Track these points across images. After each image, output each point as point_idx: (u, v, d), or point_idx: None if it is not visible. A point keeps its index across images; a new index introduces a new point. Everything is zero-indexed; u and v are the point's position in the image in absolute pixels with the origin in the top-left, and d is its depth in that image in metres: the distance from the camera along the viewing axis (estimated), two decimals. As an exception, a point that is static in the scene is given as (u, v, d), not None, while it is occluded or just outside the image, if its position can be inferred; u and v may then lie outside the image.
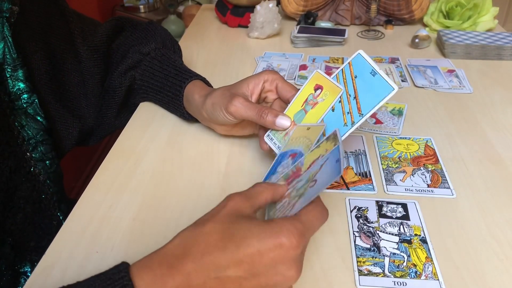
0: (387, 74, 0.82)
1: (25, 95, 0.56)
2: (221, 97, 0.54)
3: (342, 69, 0.51)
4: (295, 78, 0.81)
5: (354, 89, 0.50)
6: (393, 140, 0.62)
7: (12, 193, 0.54)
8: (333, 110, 0.51)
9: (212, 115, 0.56)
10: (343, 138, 0.48)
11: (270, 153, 0.54)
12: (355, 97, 0.49)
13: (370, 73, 0.48)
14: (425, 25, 1.05)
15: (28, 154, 0.57)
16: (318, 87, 0.52)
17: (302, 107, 0.52)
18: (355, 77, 0.50)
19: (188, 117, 0.63)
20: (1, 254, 0.53)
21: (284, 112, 0.53)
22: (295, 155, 0.47)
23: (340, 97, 0.51)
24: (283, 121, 0.51)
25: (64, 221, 0.48)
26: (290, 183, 0.41)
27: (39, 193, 0.58)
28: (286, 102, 0.55)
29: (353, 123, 0.48)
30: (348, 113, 0.49)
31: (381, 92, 0.47)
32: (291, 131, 0.52)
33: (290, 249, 0.33)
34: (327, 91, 0.52)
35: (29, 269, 0.57)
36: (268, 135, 0.53)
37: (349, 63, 0.51)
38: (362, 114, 0.48)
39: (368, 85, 0.49)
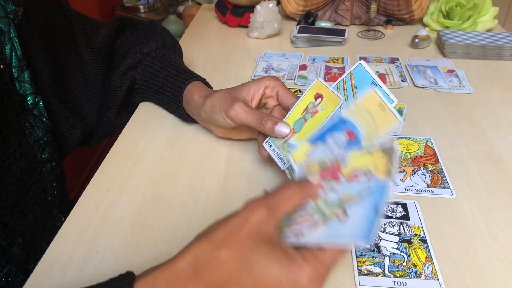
0: (386, 74, 0.82)
1: (30, 97, 0.56)
2: (221, 100, 0.54)
3: (343, 79, 0.51)
4: (295, 78, 0.81)
5: (354, 99, 0.50)
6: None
7: (24, 194, 0.54)
8: (332, 119, 0.50)
9: (211, 117, 0.56)
10: None
11: (268, 160, 0.54)
12: None
13: (371, 84, 0.49)
14: (425, 25, 1.05)
15: (38, 154, 0.57)
16: (318, 96, 0.52)
17: (302, 115, 0.52)
18: (356, 87, 0.50)
19: (187, 118, 0.63)
20: (11, 255, 0.53)
21: (284, 120, 0.52)
22: (352, 135, 0.42)
23: (340, 107, 0.50)
24: (282, 129, 0.50)
25: None
26: (323, 178, 0.38)
27: (46, 194, 0.58)
28: (286, 110, 0.55)
29: None
30: None
31: None
32: (290, 139, 0.51)
33: None
34: (327, 100, 0.51)
35: None
36: (268, 142, 0.53)
37: (350, 73, 0.51)
38: None
39: None
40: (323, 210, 0.36)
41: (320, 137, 0.45)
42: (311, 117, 0.52)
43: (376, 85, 0.48)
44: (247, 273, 0.31)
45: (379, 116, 0.43)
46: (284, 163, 0.51)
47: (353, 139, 0.42)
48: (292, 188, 0.36)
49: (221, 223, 0.34)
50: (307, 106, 0.52)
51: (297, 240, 0.35)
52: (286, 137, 0.51)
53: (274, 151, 0.52)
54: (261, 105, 0.58)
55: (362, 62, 0.50)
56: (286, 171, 0.51)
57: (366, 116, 0.43)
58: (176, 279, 0.31)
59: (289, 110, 0.53)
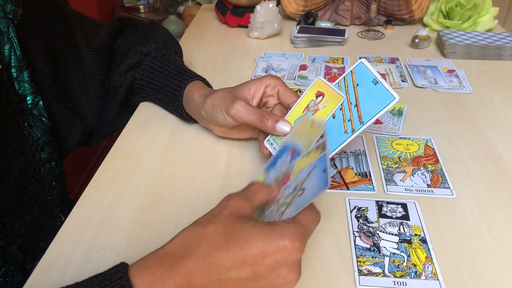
0: (386, 74, 0.82)
1: (30, 97, 0.56)
2: (222, 98, 0.54)
3: (344, 77, 0.52)
4: (295, 78, 0.81)
5: (355, 97, 0.50)
6: (393, 140, 0.62)
7: (22, 194, 0.54)
8: (333, 117, 0.51)
9: (212, 116, 0.56)
10: (343, 145, 0.49)
11: (269, 158, 0.54)
12: (356, 105, 0.49)
13: (372, 81, 0.49)
14: (425, 25, 1.05)
15: (37, 154, 0.57)
16: (319, 94, 0.53)
17: (303, 113, 0.52)
18: (357, 85, 0.50)
19: (187, 118, 0.63)
20: (9, 255, 0.53)
21: (285, 118, 0.53)
22: (294, 152, 0.47)
23: (341, 104, 0.51)
24: (283, 127, 0.51)
25: None
26: (279, 187, 0.42)
27: (46, 194, 0.58)
28: (287, 108, 0.55)
29: (353, 131, 0.49)
30: (348, 120, 0.49)
31: (382, 101, 0.47)
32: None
33: (293, 252, 0.33)
34: (328, 98, 0.52)
35: None
36: (268, 140, 0.53)
37: (351, 71, 0.51)
38: (362, 122, 0.48)
39: (369, 93, 0.49)
40: (285, 201, 0.40)
41: (272, 164, 0.49)
42: (312, 115, 0.52)
43: (377, 82, 0.48)
44: (234, 240, 0.33)
45: (311, 130, 0.48)
46: None
47: (295, 153, 0.46)
48: (257, 185, 0.40)
49: (204, 215, 0.37)
50: (308, 104, 0.52)
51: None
52: (287, 135, 0.52)
53: (275, 149, 0.52)
54: (261, 104, 0.58)
55: (363, 60, 0.51)
56: None
57: (302, 135, 0.48)
58: (168, 257, 0.33)
59: (290, 109, 0.53)
